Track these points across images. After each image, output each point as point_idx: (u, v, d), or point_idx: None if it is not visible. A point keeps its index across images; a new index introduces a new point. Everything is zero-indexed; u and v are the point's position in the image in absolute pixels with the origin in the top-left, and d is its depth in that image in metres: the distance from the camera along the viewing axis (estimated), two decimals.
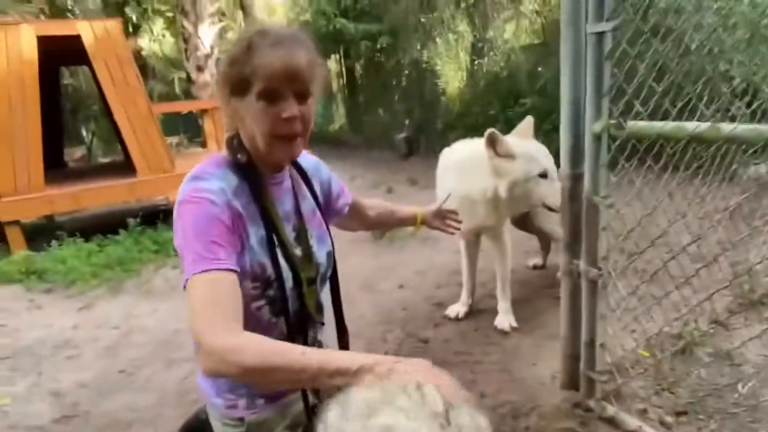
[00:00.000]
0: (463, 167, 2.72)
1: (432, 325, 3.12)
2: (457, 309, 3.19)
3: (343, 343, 1.21)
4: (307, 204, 1.13)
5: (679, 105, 1.59)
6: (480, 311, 3.24)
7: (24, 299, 4.13)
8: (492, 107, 8.14)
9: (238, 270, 0.90)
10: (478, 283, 3.38)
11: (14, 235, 4.97)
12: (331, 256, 1.15)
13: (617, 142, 1.70)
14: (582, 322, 2.06)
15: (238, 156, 1.00)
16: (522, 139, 2.62)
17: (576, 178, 1.92)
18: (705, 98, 1.64)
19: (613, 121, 1.68)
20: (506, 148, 2.47)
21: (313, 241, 1.11)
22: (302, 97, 0.95)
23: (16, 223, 5.05)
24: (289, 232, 1.07)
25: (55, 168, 6.96)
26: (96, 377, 2.88)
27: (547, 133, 7.20)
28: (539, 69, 7.84)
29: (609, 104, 1.68)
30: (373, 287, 3.84)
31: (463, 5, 9.35)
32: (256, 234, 0.99)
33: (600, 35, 1.68)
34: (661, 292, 2.12)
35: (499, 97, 8.14)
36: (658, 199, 1.89)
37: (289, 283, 1.02)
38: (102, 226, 5.42)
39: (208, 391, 1.11)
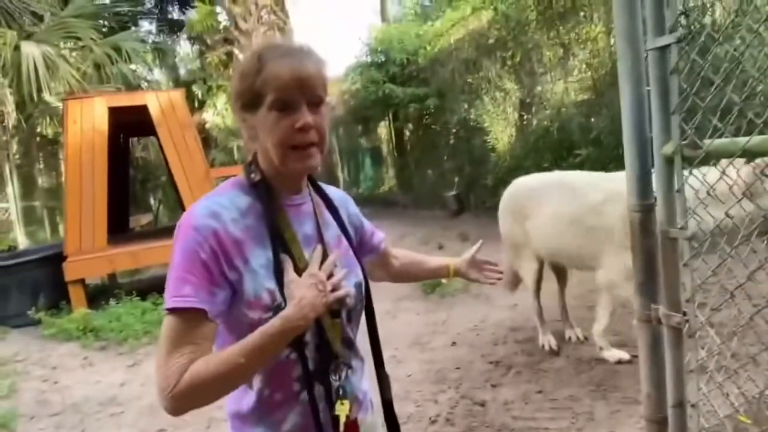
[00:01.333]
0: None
1: (489, 386, 2.83)
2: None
3: (383, 386, 1.06)
4: (331, 231, 1.05)
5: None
6: (543, 371, 2.93)
7: (79, 356, 4.19)
8: (544, 160, 7.95)
9: (205, 306, 0.85)
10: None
11: (77, 294, 5.15)
12: (361, 288, 1.04)
13: (693, 165, 1.50)
14: (666, 379, 1.76)
15: (252, 176, 0.96)
16: None
17: (647, 210, 1.70)
18: None
19: (685, 141, 1.49)
20: None
21: (336, 270, 1.00)
22: (315, 105, 0.92)
23: (80, 282, 5.25)
24: (309, 258, 0.97)
25: (120, 232, 7.35)
26: None
27: None
28: (592, 120, 7.66)
29: (680, 122, 1.49)
30: (424, 345, 3.60)
31: (509, 63, 9.46)
32: (263, 257, 0.91)
33: (662, 50, 1.53)
34: (755, 347, 1.80)
35: (551, 150, 7.97)
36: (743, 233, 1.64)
37: None
38: (159, 287, 5.53)
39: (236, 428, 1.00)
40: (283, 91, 0.88)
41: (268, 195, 0.95)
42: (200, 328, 0.84)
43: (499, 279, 1.44)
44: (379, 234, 1.27)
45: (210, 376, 0.80)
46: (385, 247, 1.28)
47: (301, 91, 0.89)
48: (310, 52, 0.94)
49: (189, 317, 0.83)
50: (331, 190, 1.12)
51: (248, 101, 0.92)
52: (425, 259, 1.41)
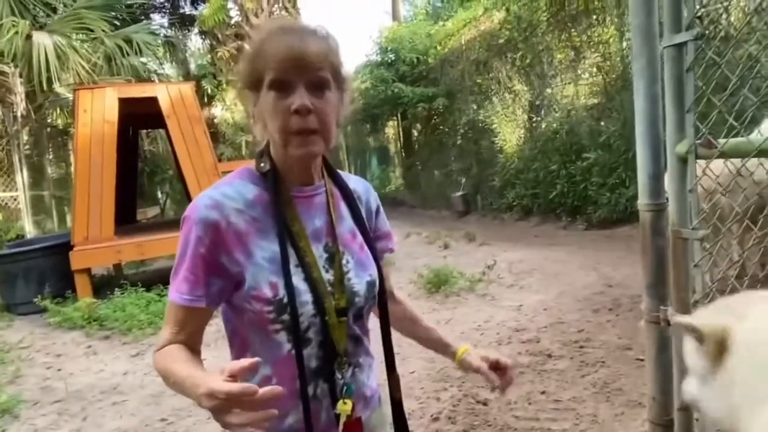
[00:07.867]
0: None
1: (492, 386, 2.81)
2: None
3: (393, 384, 1.03)
4: (345, 225, 0.99)
5: None
6: (547, 372, 2.91)
7: (83, 345, 4.21)
8: (552, 163, 7.91)
9: (197, 304, 0.89)
10: (545, 337, 3.07)
11: (82, 283, 5.18)
12: (373, 286, 0.98)
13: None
14: (673, 381, 1.73)
15: (261, 165, 0.92)
16: None
17: (658, 210, 1.68)
18: None
19: (699, 141, 1.47)
20: None
21: (349, 266, 0.96)
22: (317, 88, 0.86)
23: (86, 271, 5.28)
24: (319, 253, 0.94)
25: (127, 224, 7.38)
26: (138, 425, 2.79)
27: (613, 188, 6.86)
28: (602, 123, 7.61)
29: (695, 121, 1.48)
30: None
31: (519, 65, 9.42)
32: (268, 249, 0.89)
33: (679, 47, 1.51)
34: None
35: (560, 153, 7.92)
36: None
37: (307, 308, 0.89)
38: (164, 278, 5.55)
39: None
40: (279, 69, 0.84)
41: (277, 185, 0.91)
42: (192, 315, 0.90)
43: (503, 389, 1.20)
44: (387, 242, 1.12)
45: (161, 369, 0.87)
46: (384, 263, 1.07)
47: (298, 71, 0.84)
48: (319, 31, 0.88)
49: (182, 308, 0.89)
50: (352, 180, 1.05)
51: (250, 83, 0.89)
52: (431, 327, 1.22)
